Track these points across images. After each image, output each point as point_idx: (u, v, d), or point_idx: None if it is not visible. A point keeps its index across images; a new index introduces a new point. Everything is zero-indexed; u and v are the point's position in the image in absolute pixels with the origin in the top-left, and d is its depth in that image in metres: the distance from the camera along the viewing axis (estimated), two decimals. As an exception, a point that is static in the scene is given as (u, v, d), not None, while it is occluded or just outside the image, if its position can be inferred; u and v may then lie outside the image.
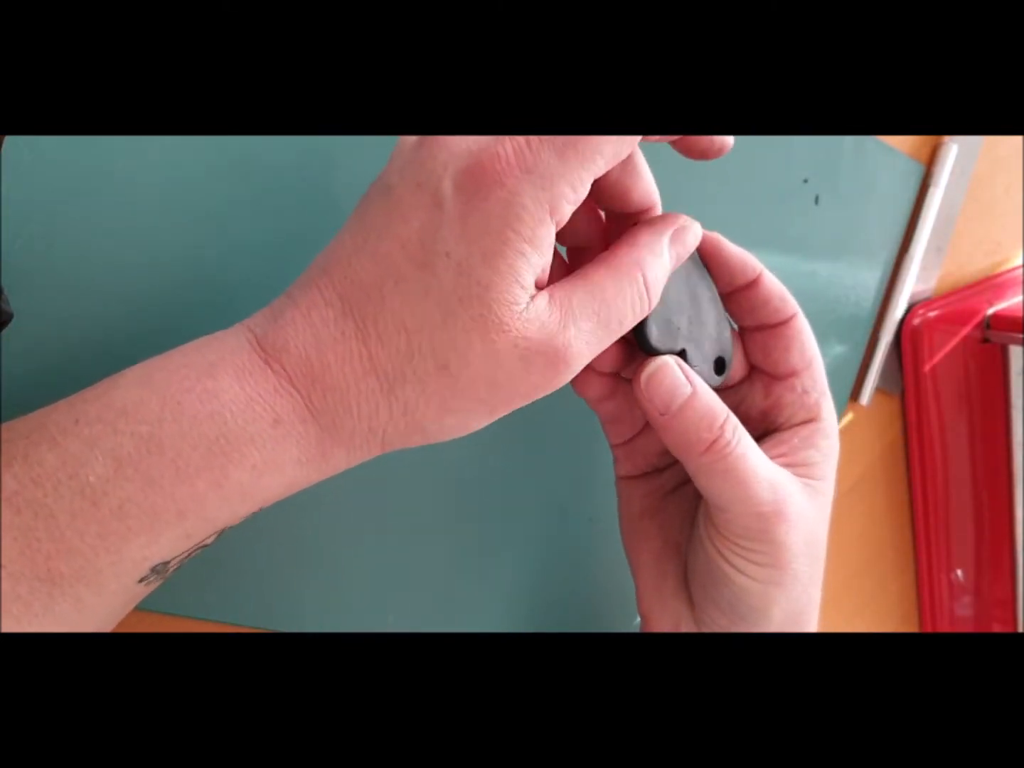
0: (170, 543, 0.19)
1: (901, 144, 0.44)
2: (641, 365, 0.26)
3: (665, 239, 0.24)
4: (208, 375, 0.20)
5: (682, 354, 0.26)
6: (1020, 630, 0.56)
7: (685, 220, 0.25)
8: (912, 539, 0.53)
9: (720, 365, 0.28)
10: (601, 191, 0.25)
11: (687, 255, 0.25)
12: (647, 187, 0.25)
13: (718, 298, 0.28)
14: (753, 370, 0.30)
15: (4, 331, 0.22)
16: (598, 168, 0.21)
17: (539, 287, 0.21)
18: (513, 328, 0.20)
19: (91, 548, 0.18)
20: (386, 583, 0.31)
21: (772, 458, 0.27)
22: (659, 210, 0.26)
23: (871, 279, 0.45)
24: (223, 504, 0.19)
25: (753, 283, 0.28)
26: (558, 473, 0.35)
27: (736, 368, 0.30)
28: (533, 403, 0.33)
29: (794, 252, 0.41)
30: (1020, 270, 0.55)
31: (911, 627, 0.54)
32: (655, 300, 0.23)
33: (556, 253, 0.27)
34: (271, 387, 0.20)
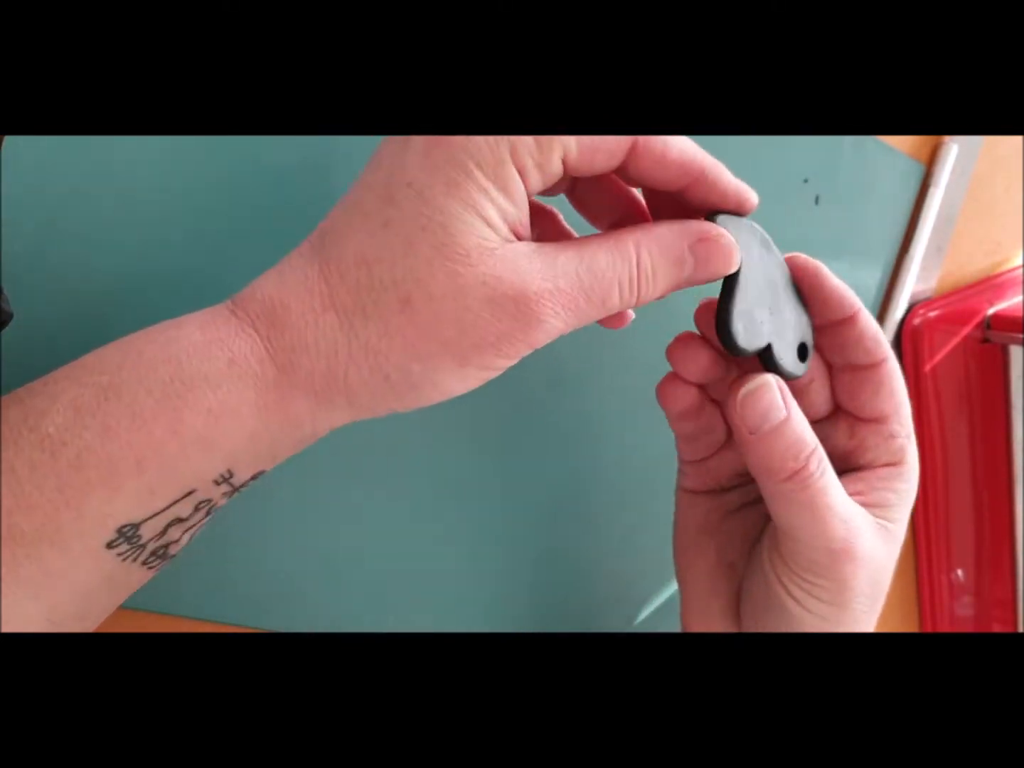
0: (134, 499, 0.19)
1: (901, 144, 0.44)
2: (739, 380, 0.25)
3: (685, 243, 0.23)
4: (175, 327, 0.20)
5: (767, 348, 0.25)
6: (1020, 630, 0.56)
7: (719, 235, 0.23)
8: (912, 539, 0.53)
9: (803, 352, 0.27)
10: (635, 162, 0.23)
11: (707, 276, 0.24)
12: (680, 156, 0.23)
13: (791, 281, 0.27)
14: (838, 409, 0.29)
15: (4, 331, 0.22)
16: (568, 143, 0.21)
17: (519, 238, 0.21)
18: (480, 263, 0.20)
19: (50, 502, 0.18)
20: (386, 583, 0.31)
21: (850, 494, 0.26)
22: (711, 186, 0.24)
23: (871, 279, 0.45)
24: (182, 454, 0.19)
25: (849, 320, 0.27)
26: (558, 473, 0.35)
27: (820, 404, 0.28)
28: (533, 402, 0.33)
29: (793, 252, 0.41)
30: (1020, 270, 0.55)
31: (911, 627, 0.54)
32: (645, 294, 0.22)
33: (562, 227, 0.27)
34: (232, 330, 0.20)
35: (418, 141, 0.20)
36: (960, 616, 0.55)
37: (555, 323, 0.21)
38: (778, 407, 0.25)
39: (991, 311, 0.50)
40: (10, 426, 0.18)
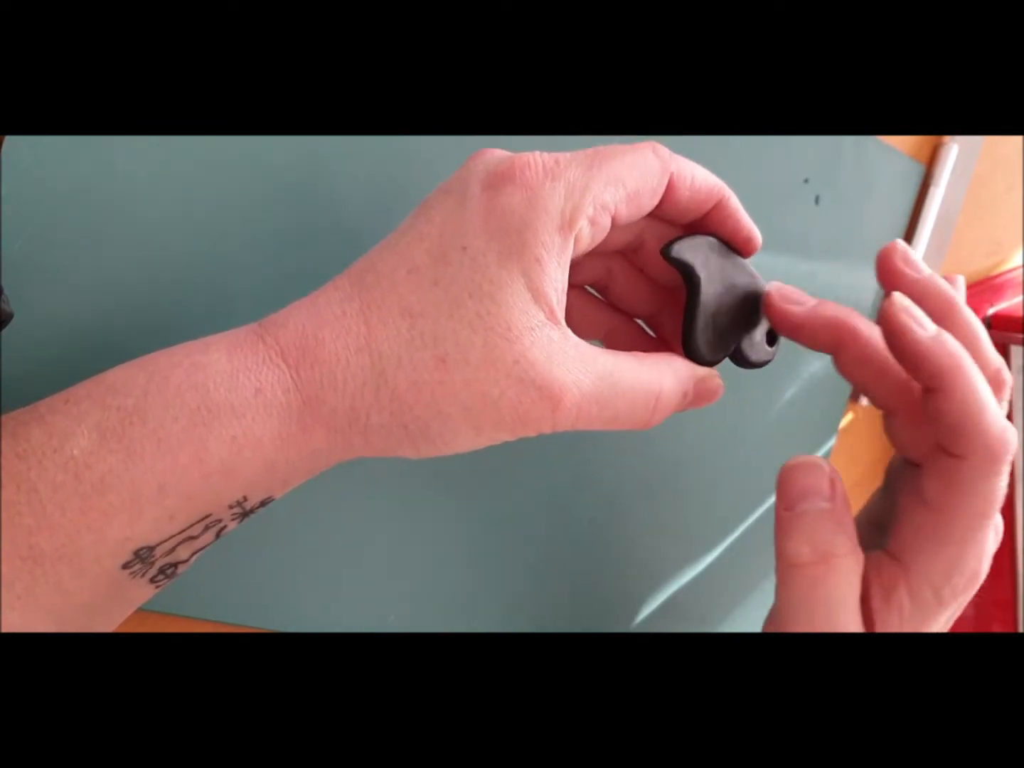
0: (152, 523, 0.19)
1: (901, 144, 0.44)
2: (789, 461, 0.25)
3: (692, 382, 0.24)
4: (200, 350, 0.20)
5: (737, 351, 0.26)
6: (1020, 630, 0.56)
7: (715, 378, 0.25)
8: (912, 539, 0.53)
9: (772, 337, 0.27)
10: (645, 259, 0.26)
11: (692, 407, 0.25)
12: (705, 179, 0.24)
13: (747, 267, 0.27)
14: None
15: (4, 331, 0.22)
16: (619, 195, 0.21)
17: (552, 321, 0.21)
18: (519, 340, 0.20)
19: (72, 524, 0.18)
20: (386, 583, 0.31)
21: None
22: (731, 213, 0.25)
23: (871, 279, 0.45)
24: (204, 481, 0.19)
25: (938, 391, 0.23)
26: (558, 473, 0.35)
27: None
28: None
29: (794, 252, 0.41)
30: (1020, 270, 0.55)
31: (911, 627, 0.54)
32: (647, 422, 0.23)
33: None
34: (259, 359, 0.20)
35: (476, 203, 0.21)
36: (960, 616, 0.55)
37: (564, 420, 0.21)
38: (819, 494, 0.24)
39: (991, 311, 0.50)
40: (33, 446, 0.18)
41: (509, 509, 0.34)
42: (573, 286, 0.27)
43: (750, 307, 0.26)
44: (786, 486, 0.25)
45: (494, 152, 0.22)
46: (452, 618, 0.33)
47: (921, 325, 0.23)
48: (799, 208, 0.40)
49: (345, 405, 0.20)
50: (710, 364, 0.25)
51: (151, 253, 0.24)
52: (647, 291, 0.27)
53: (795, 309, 0.25)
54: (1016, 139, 0.51)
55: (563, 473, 0.35)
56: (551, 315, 0.21)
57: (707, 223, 0.25)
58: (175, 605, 0.26)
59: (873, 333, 0.25)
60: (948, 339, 0.23)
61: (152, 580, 0.20)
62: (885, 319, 0.24)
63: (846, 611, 0.23)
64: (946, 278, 0.26)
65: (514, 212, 0.20)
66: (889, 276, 0.26)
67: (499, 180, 0.21)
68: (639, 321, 0.28)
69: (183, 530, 0.20)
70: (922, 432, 0.25)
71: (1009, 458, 0.23)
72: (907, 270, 0.25)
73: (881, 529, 0.27)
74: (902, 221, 0.46)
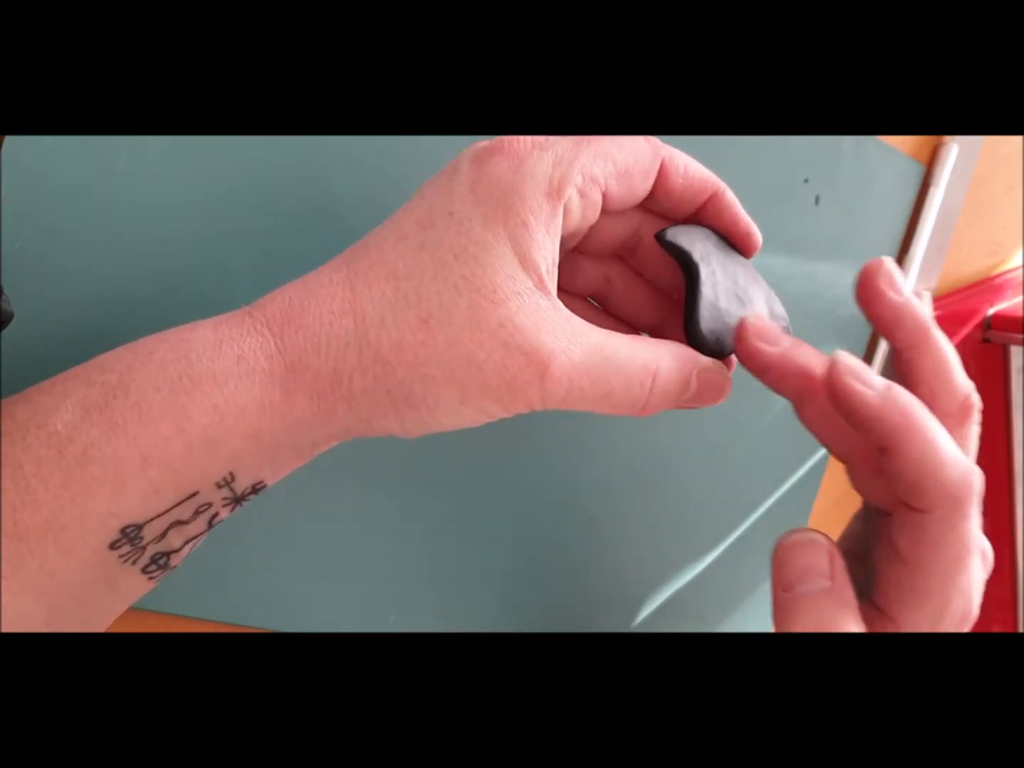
0: (137, 498, 0.19)
1: (901, 144, 0.44)
2: (784, 538, 0.24)
3: (695, 369, 0.23)
4: (188, 328, 0.20)
5: None
6: (1020, 630, 0.56)
7: (722, 370, 0.24)
8: (912, 539, 0.53)
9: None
10: (643, 261, 0.26)
11: (699, 404, 0.24)
12: (699, 171, 0.24)
13: (755, 272, 0.26)
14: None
15: (4, 331, 0.22)
16: (608, 169, 0.21)
17: (542, 289, 0.21)
18: (504, 304, 0.20)
19: (56, 499, 0.18)
20: (386, 583, 0.31)
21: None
22: (727, 206, 0.25)
23: (871, 279, 0.45)
24: (187, 452, 0.19)
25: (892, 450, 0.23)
26: (557, 473, 0.35)
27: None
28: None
29: (794, 252, 0.41)
30: (1020, 270, 0.55)
31: (911, 627, 0.54)
32: (645, 406, 0.22)
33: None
34: (244, 329, 0.20)
35: (466, 172, 0.21)
36: (960, 616, 0.55)
37: (553, 391, 0.21)
38: (823, 573, 0.23)
39: (991, 311, 0.50)
40: (18, 424, 0.18)
41: (509, 509, 0.34)
42: (573, 295, 0.27)
43: (752, 303, 0.26)
44: (783, 565, 0.23)
45: (537, 161, 0.22)
46: (451, 618, 0.33)
47: (869, 385, 0.22)
48: (799, 208, 0.40)
49: (328, 367, 0.20)
50: (714, 354, 0.24)
51: (151, 253, 0.24)
52: (649, 299, 0.27)
53: (766, 349, 0.24)
54: (1016, 139, 0.51)
55: (563, 473, 0.35)
56: (540, 283, 0.21)
57: (703, 216, 0.25)
58: (174, 605, 0.26)
59: None
60: (898, 395, 0.22)
61: (145, 571, 0.20)
62: (831, 384, 0.22)
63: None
64: (915, 295, 0.25)
65: (501, 178, 0.20)
66: (869, 295, 0.24)
67: (487, 153, 0.21)
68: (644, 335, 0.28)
69: (170, 508, 0.19)
70: (884, 483, 0.24)
71: (976, 498, 0.22)
72: (888, 292, 0.24)
73: (862, 561, 0.26)
74: (902, 221, 0.46)
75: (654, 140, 0.23)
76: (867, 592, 0.24)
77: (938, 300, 0.49)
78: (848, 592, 0.23)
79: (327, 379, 0.20)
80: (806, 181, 0.40)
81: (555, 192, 0.21)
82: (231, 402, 0.19)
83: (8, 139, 0.22)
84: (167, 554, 0.20)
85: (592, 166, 0.21)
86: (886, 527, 0.24)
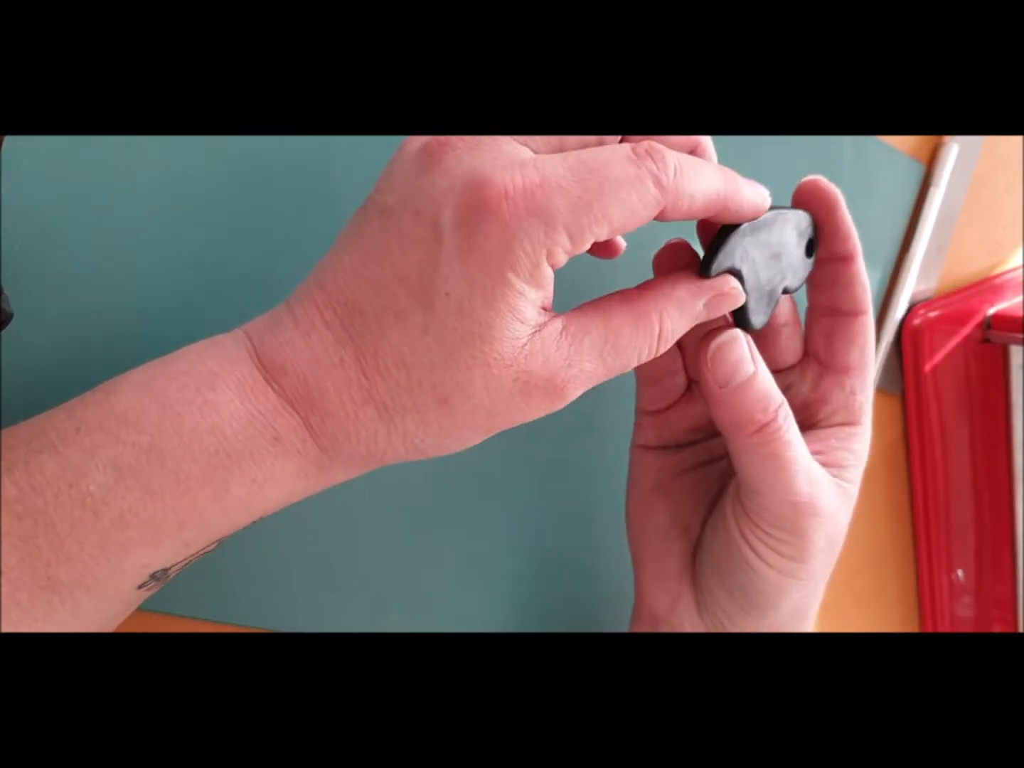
0: (170, 552, 0.20)
1: (901, 144, 0.44)
2: (709, 335, 0.26)
3: (701, 302, 0.24)
4: (208, 386, 0.20)
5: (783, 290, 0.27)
6: (1020, 630, 0.56)
7: (732, 288, 0.24)
8: (912, 539, 0.53)
9: (810, 248, 0.27)
10: None
11: (720, 308, 0.24)
12: (705, 201, 0.23)
13: (782, 212, 0.26)
14: (806, 358, 0.30)
15: (4, 331, 0.22)
16: (602, 232, 0.21)
17: (545, 308, 0.21)
18: (515, 363, 0.20)
19: (91, 557, 0.18)
20: (387, 583, 0.31)
21: (811, 452, 0.27)
22: (733, 212, 0.24)
23: (871, 279, 0.45)
24: (223, 515, 0.20)
25: (847, 259, 0.28)
26: (558, 472, 0.35)
27: (790, 352, 0.30)
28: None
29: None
30: (1020, 270, 0.55)
31: (911, 627, 0.54)
32: (664, 348, 0.23)
33: None
34: (271, 406, 0.20)
35: (451, 244, 0.20)
36: (960, 616, 0.55)
37: (577, 394, 0.22)
38: (747, 361, 0.25)
39: (991, 311, 0.50)
40: (48, 479, 0.18)
41: (510, 509, 0.34)
42: None
43: (786, 251, 0.26)
44: (717, 366, 0.25)
45: (456, 167, 0.20)
46: (452, 618, 0.33)
47: (845, 208, 0.27)
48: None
49: (361, 451, 0.21)
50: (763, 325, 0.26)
51: (151, 253, 0.24)
52: None
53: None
54: (1016, 139, 0.51)
55: (564, 472, 0.35)
56: (539, 322, 0.21)
57: (713, 221, 0.25)
58: (174, 605, 0.26)
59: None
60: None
61: (147, 587, 0.21)
62: (823, 191, 0.27)
63: (804, 448, 0.26)
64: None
65: (492, 255, 0.19)
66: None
67: (472, 214, 0.19)
68: None
69: (198, 552, 0.21)
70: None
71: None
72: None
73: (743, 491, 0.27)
74: (902, 221, 0.46)
75: (666, 182, 0.21)
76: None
77: (938, 300, 0.49)
78: (767, 371, 0.26)
79: (361, 458, 0.21)
80: (806, 181, 0.40)
81: (549, 256, 0.20)
82: (269, 476, 0.20)
83: (8, 139, 0.22)
84: (165, 568, 0.21)
85: (586, 231, 0.20)
86: (799, 376, 0.30)
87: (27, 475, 0.18)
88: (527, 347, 0.21)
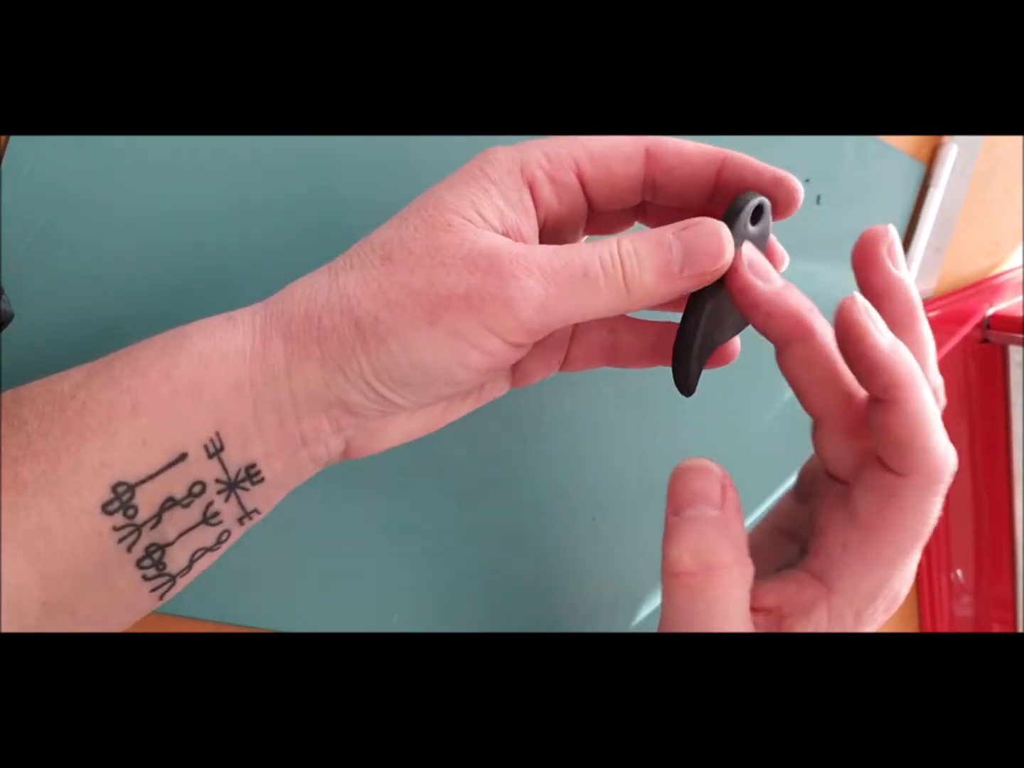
0: (127, 450, 0.19)
1: (901, 144, 0.44)
2: (681, 464, 0.23)
3: (669, 231, 0.22)
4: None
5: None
6: (1020, 630, 0.56)
7: (702, 220, 0.22)
8: (912, 539, 0.53)
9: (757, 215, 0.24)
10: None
11: (700, 257, 0.22)
12: (696, 147, 0.24)
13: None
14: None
15: (4, 331, 0.22)
16: (578, 152, 0.22)
17: (511, 236, 0.22)
18: (461, 232, 0.21)
19: (53, 449, 0.19)
20: (389, 583, 0.31)
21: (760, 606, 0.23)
22: (742, 166, 0.23)
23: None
24: (173, 399, 0.20)
25: (890, 403, 0.22)
26: (560, 472, 0.35)
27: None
28: (534, 402, 0.33)
29: (795, 252, 0.41)
30: (1020, 270, 0.55)
31: (911, 627, 0.54)
32: (632, 272, 0.21)
33: None
34: (243, 311, 0.22)
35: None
36: (960, 616, 0.55)
37: (532, 284, 0.20)
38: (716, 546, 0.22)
39: (991, 311, 0.50)
40: (30, 390, 0.20)
41: (512, 508, 0.34)
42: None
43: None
44: (675, 490, 0.23)
45: (500, 149, 0.23)
46: (455, 618, 0.33)
47: (880, 331, 0.21)
48: (800, 208, 0.40)
49: (300, 310, 0.21)
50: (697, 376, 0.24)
51: (153, 254, 0.24)
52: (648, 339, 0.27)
53: (758, 284, 0.22)
54: (1016, 139, 0.51)
55: (565, 472, 0.35)
56: (496, 229, 0.22)
57: (724, 187, 0.24)
58: (175, 605, 0.26)
59: (827, 336, 0.23)
60: (904, 350, 0.21)
61: (140, 565, 0.20)
62: (845, 318, 0.22)
63: (728, 623, 0.21)
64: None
65: (470, 166, 0.22)
66: (866, 259, 0.23)
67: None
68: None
69: (160, 470, 0.20)
70: (853, 447, 0.23)
71: (947, 483, 0.22)
72: (886, 260, 0.23)
73: (793, 538, 0.26)
74: (902, 221, 0.46)
75: (636, 136, 0.23)
76: (797, 563, 0.24)
77: (938, 300, 0.49)
78: (736, 527, 0.22)
79: (300, 321, 0.21)
80: (807, 181, 0.40)
81: (518, 168, 0.22)
82: (215, 350, 0.20)
83: (11, 139, 0.22)
84: (162, 547, 0.20)
85: (559, 149, 0.22)
86: (840, 493, 0.24)
87: (15, 394, 0.20)
88: (479, 231, 0.21)
